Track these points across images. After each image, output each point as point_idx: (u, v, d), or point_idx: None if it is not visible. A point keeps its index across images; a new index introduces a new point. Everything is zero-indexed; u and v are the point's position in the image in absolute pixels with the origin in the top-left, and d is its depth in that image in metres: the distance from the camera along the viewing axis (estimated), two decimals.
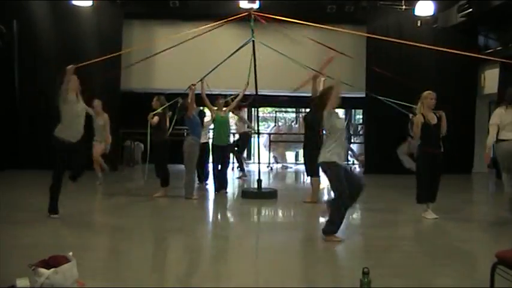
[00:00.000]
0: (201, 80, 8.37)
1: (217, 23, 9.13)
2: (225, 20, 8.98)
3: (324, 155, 5.19)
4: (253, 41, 8.46)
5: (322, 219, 7.02)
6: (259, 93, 8.76)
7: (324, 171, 5.30)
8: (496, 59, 10.04)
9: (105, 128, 9.08)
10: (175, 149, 14.41)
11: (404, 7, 11.72)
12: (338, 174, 5.11)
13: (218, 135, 8.79)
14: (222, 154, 8.74)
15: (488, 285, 3.28)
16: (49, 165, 6.22)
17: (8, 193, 7.85)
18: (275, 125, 16.28)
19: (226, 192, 8.70)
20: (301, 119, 15.14)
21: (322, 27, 9.01)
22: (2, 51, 10.35)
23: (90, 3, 10.88)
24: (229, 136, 9.29)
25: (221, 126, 8.79)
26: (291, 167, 14.18)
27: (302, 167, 14.41)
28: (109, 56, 8.57)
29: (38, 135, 10.83)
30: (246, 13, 8.67)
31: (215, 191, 8.73)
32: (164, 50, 9.12)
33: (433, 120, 6.37)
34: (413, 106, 6.75)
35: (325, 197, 8.11)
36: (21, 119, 11.22)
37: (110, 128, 9.19)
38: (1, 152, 10.72)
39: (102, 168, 9.17)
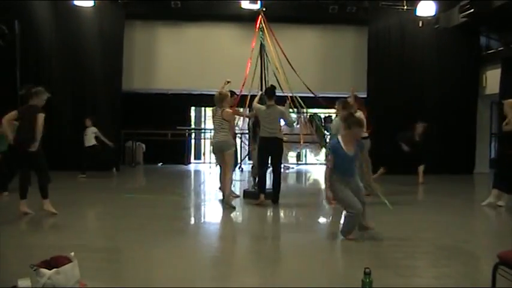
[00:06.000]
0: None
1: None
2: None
3: None
4: (261, 42, 8.41)
5: (323, 220, 7.05)
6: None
7: None
8: None
9: None
10: (176, 149, 14.32)
11: (405, 7, 11.72)
12: None
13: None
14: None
15: (490, 286, 3.28)
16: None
17: (8, 194, 7.84)
18: None
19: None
20: (302, 120, 15.10)
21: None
22: (4, 51, 10.35)
23: (91, 3, 10.91)
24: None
25: None
26: (292, 168, 14.15)
27: (303, 168, 14.51)
28: None
29: None
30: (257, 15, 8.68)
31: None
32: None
33: None
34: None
35: None
36: None
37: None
38: None
39: None
